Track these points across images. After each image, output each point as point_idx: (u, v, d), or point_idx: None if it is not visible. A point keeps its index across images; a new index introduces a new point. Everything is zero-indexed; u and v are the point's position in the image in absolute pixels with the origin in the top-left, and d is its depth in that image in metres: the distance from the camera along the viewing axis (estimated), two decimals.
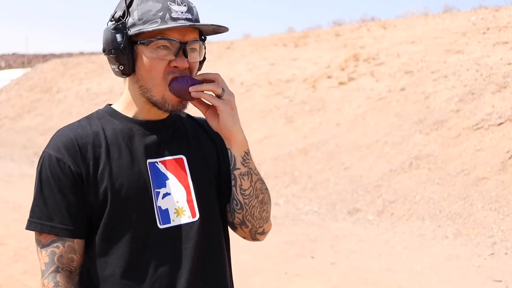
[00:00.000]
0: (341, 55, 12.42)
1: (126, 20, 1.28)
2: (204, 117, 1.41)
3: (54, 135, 1.32)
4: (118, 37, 1.27)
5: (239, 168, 1.33)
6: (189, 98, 1.28)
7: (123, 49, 1.27)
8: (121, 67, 1.29)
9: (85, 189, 1.27)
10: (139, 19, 1.26)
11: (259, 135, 10.46)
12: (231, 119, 1.30)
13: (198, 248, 1.31)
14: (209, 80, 1.30)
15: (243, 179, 1.34)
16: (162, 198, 1.31)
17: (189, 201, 1.33)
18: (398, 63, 10.73)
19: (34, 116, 18.65)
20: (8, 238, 6.08)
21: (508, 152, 6.60)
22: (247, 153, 1.34)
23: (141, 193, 1.29)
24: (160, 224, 1.29)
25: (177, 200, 1.32)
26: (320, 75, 11.88)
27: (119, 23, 1.27)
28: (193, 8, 1.31)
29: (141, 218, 1.28)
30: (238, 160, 1.33)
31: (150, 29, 1.24)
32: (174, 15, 1.25)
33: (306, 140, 9.58)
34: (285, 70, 13.03)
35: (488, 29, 10.42)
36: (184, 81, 1.27)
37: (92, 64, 21.67)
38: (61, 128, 1.33)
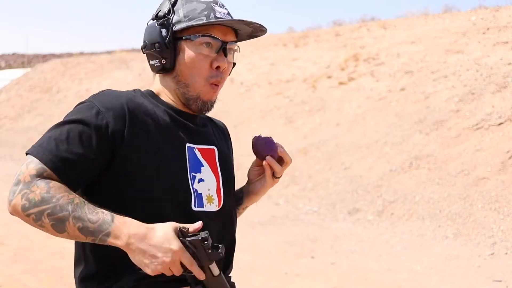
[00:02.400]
0: (341, 55, 12.42)
1: (172, 17, 1.33)
2: (223, 123, 1.62)
3: (105, 91, 1.32)
4: (164, 31, 1.32)
5: (238, 209, 1.56)
6: (259, 157, 1.45)
7: (168, 43, 1.32)
8: (163, 61, 1.33)
9: (123, 150, 1.25)
10: (184, 17, 1.33)
11: None
12: (266, 190, 1.52)
13: (222, 235, 1.40)
14: (282, 159, 1.45)
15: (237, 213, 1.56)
16: (198, 182, 1.36)
17: (218, 190, 1.40)
18: (398, 63, 10.73)
19: (34, 116, 18.64)
20: (8, 238, 6.08)
21: (508, 152, 6.60)
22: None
23: (181, 172, 1.33)
24: (195, 206, 1.33)
25: (209, 187, 1.38)
26: (320, 75, 11.88)
27: (165, 20, 1.33)
28: (230, 13, 1.38)
29: (179, 195, 1.31)
30: (244, 206, 1.57)
31: (200, 23, 1.30)
32: (217, 14, 1.33)
33: (306, 140, 9.58)
34: (285, 70, 13.04)
35: (488, 29, 10.42)
36: (268, 147, 1.43)
37: (92, 64, 21.67)
38: (112, 90, 1.33)
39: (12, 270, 4.97)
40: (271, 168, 1.44)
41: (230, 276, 1.46)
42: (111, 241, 1.15)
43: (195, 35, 1.31)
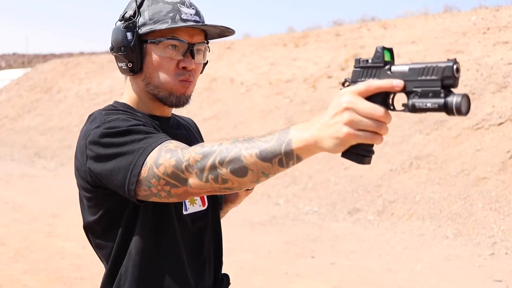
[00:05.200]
0: (341, 55, 12.41)
1: (137, 19, 1.32)
2: (191, 118, 1.63)
3: (114, 119, 1.24)
4: (129, 35, 1.32)
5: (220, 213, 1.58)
6: None
7: (133, 47, 1.31)
8: (129, 65, 1.33)
9: None
10: (149, 19, 1.31)
11: None
12: (240, 200, 1.59)
13: (210, 235, 1.42)
14: None
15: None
16: None
17: None
18: (398, 63, 10.71)
19: (34, 116, 18.64)
20: (8, 238, 6.08)
21: (508, 152, 6.60)
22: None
23: None
24: (185, 210, 1.35)
25: None
26: (321, 75, 11.88)
27: (130, 22, 1.32)
28: (200, 12, 1.37)
29: (176, 203, 1.32)
30: (224, 211, 1.61)
31: (162, 28, 1.28)
32: (183, 16, 1.31)
33: None
34: (285, 70, 13.03)
35: (488, 29, 10.42)
36: None
37: (92, 64, 21.66)
38: (102, 115, 1.27)
39: (12, 270, 4.97)
40: None
41: (223, 274, 1.47)
42: (298, 146, 0.96)
43: (160, 39, 1.30)
